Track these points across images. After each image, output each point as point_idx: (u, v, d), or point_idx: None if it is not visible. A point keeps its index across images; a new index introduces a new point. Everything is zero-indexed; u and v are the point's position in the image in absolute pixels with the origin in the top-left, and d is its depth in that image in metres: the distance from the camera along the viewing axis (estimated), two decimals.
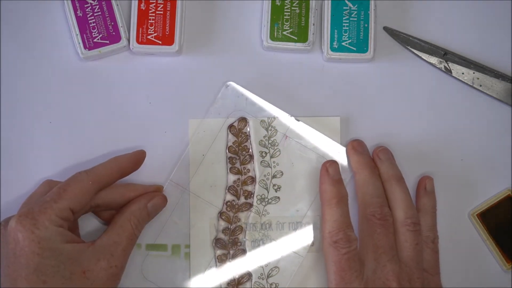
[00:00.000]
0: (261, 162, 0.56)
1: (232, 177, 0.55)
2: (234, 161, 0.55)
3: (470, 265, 0.56)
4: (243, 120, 0.56)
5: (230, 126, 0.56)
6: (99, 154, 0.56)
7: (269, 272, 0.55)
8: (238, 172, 0.55)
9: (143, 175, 0.55)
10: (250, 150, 0.56)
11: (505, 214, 0.55)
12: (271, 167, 0.56)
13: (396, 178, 0.53)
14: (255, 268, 0.55)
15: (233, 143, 0.56)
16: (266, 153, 0.56)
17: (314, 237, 0.55)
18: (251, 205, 0.55)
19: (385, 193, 0.53)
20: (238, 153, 0.56)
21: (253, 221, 0.55)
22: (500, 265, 0.55)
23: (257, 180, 0.55)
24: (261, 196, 0.55)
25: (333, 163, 0.53)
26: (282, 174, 0.56)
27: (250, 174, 0.55)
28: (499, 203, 0.55)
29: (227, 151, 0.56)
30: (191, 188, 0.55)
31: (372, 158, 0.55)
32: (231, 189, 0.55)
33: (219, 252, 0.55)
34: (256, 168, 0.56)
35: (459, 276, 0.55)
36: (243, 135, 0.56)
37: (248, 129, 0.56)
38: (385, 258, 0.50)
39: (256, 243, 0.55)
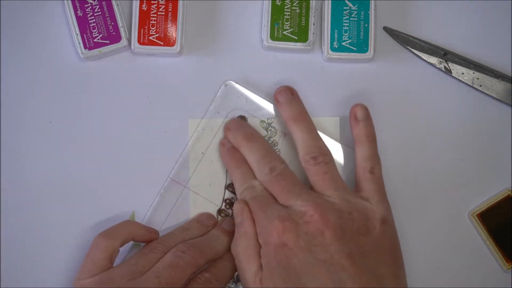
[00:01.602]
0: None
1: None
2: None
3: (470, 265, 0.55)
4: (242, 118, 0.56)
5: None
6: (99, 154, 0.56)
7: None
8: None
9: (143, 175, 0.55)
10: None
11: (505, 214, 0.55)
12: None
13: (292, 118, 0.52)
14: None
15: None
16: None
17: None
18: None
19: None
20: None
21: None
22: (500, 265, 0.55)
23: None
24: None
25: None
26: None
27: None
28: (499, 203, 0.55)
29: None
30: (191, 185, 0.55)
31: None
32: (230, 187, 0.55)
33: None
34: None
35: (459, 276, 0.55)
36: None
37: None
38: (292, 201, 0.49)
39: None
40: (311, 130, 0.51)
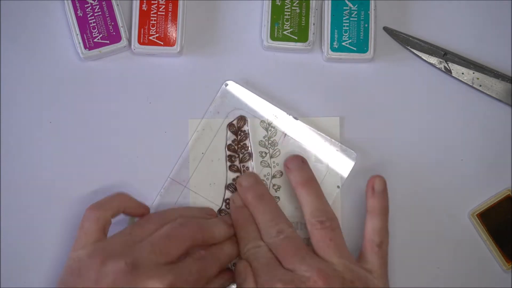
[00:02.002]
0: (261, 162, 0.56)
1: (231, 175, 0.55)
2: (233, 159, 0.56)
3: (470, 265, 0.56)
4: (242, 118, 0.56)
5: (230, 125, 0.56)
6: (99, 154, 0.56)
7: None
8: (237, 170, 0.55)
9: (144, 175, 0.55)
10: (249, 148, 0.56)
11: (505, 214, 0.55)
12: (270, 167, 0.56)
13: (301, 183, 0.52)
14: None
15: (232, 141, 0.56)
16: (266, 153, 0.56)
17: None
18: None
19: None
20: (237, 151, 0.56)
21: None
22: (500, 265, 0.55)
23: None
24: None
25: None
26: (282, 174, 0.56)
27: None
28: (499, 203, 0.55)
29: (226, 149, 0.56)
30: (191, 185, 0.55)
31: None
32: (230, 186, 0.55)
33: None
34: (254, 166, 0.56)
35: (459, 276, 0.55)
36: (242, 134, 0.56)
37: (247, 128, 0.56)
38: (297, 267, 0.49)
39: None
40: (320, 195, 0.52)
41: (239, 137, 0.56)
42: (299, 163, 0.53)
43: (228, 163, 0.56)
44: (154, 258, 0.47)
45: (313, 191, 0.52)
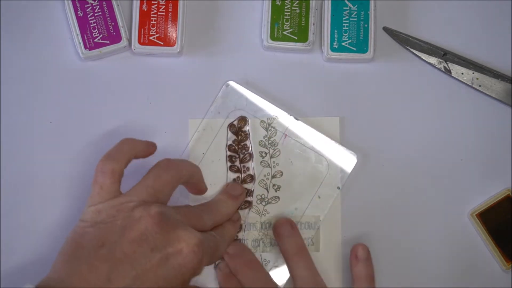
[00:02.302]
0: (261, 162, 0.56)
1: (232, 175, 0.55)
2: (234, 159, 0.56)
3: (470, 265, 0.56)
4: (243, 119, 0.56)
5: (230, 125, 0.56)
6: (99, 154, 0.56)
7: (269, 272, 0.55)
8: (238, 171, 0.56)
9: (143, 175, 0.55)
10: (250, 149, 0.56)
11: (505, 214, 0.55)
12: (271, 167, 0.56)
13: (291, 253, 0.53)
14: None
15: (233, 141, 0.56)
16: (266, 153, 0.56)
17: (313, 236, 0.55)
18: (250, 203, 0.55)
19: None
20: (238, 152, 0.56)
21: (253, 221, 0.55)
22: (500, 265, 0.55)
23: (257, 179, 0.55)
24: (261, 196, 0.55)
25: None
26: (282, 174, 0.56)
27: (249, 172, 0.55)
28: (499, 203, 0.55)
29: (227, 149, 0.56)
30: None
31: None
32: None
33: None
34: (255, 166, 0.56)
35: (459, 276, 0.55)
36: (242, 134, 0.56)
37: (248, 128, 0.56)
38: None
39: (256, 243, 0.55)
40: (310, 267, 0.52)
41: (239, 137, 0.56)
42: (289, 229, 0.53)
43: (229, 164, 0.56)
44: (180, 219, 0.47)
45: (303, 263, 0.52)
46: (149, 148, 0.51)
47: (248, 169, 0.56)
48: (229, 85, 0.56)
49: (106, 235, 0.44)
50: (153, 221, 0.44)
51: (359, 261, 0.53)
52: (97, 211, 0.46)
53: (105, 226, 0.45)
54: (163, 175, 0.48)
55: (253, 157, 0.56)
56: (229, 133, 0.56)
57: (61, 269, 0.44)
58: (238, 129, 0.56)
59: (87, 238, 0.45)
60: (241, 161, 0.56)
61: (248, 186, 0.55)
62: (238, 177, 0.55)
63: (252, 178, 0.55)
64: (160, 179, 0.48)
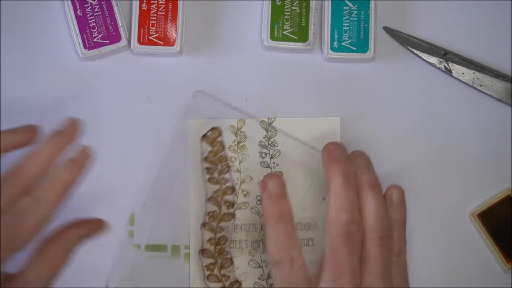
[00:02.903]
0: (260, 163, 0.56)
1: (211, 188, 0.54)
2: (211, 171, 0.54)
3: (470, 265, 0.56)
4: (216, 129, 0.55)
5: (204, 136, 0.55)
6: (99, 154, 0.56)
7: (269, 273, 0.55)
8: (237, 171, 0.55)
9: (144, 176, 0.55)
10: (226, 160, 0.55)
11: (505, 214, 0.55)
12: (271, 168, 0.56)
13: (369, 184, 0.48)
14: (255, 269, 0.55)
15: (208, 153, 0.55)
16: (266, 154, 0.56)
17: (313, 236, 0.55)
18: (233, 215, 0.55)
19: (359, 202, 0.48)
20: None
21: (253, 222, 0.55)
22: (500, 265, 0.55)
23: (257, 180, 0.55)
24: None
25: (274, 177, 0.49)
26: (282, 175, 0.55)
27: (248, 173, 0.55)
28: (499, 203, 0.55)
29: (203, 161, 0.55)
30: (191, 187, 0.55)
31: (348, 165, 0.49)
32: (211, 200, 0.54)
33: (206, 261, 0.54)
34: (254, 167, 0.55)
35: (459, 276, 0.55)
36: (218, 145, 0.55)
37: (222, 139, 0.55)
38: (343, 280, 0.45)
39: (256, 244, 0.55)
40: (382, 202, 0.48)
41: (215, 148, 0.55)
42: (366, 160, 0.50)
43: (207, 176, 0.55)
44: None
45: (379, 197, 0.48)
46: (26, 134, 0.46)
47: (227, 180, 0.55)
48: (196, 96, 0.54)
49: None
50: None
51: (393, 204, 0.49)
52: None
53: None
54: None
55: (230, 168, 0.55)
56: (204, 144, 0.55)
57: None
58: (212, 139, 0.55)
59: None
60: (220, 173, 0.55)
61: (229, 198, 0.55)
62: (218, 189, 0.54)
63: (233, 189, 0.55)
64: None
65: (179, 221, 0.55)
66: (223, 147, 0.55)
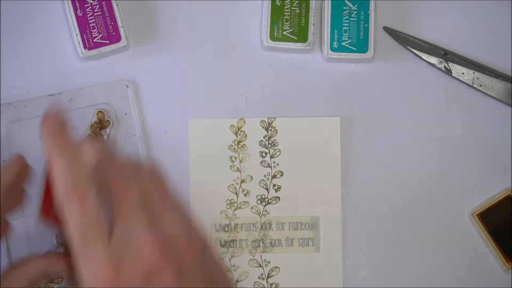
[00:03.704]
0: (261, 162, 0.56)
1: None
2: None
3: (470, 265, 0.56)
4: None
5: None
6: None
7: (269, 272, 0.55)
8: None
9: None
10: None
11: (505, 214, 0.55)
12: (271, 167, 0.56)
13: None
14: (255, 268, 0.55)
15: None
16: (266, 153, 0.56)
17: (314, 237, 0.55)
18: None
19: None
20: (238, 152, 0.56)
21: (253, 221, 0.55)
22: (500, 265, 0.55)
23: (257, 180, 0.55)
24: (261, 196, 0.55)
25: (53, 113, 0.41)
26: (282, 174, 0.56)
27: (249, 172, 0.55)
28: (499, 203, 0.55)
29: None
30: (191, 187, 0.55)
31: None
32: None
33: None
34: (254, 166, 0.56)
35: (459, 276, 0.55)
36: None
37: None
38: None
39: (256, 243, 0.55)
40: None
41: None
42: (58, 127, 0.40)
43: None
44: None
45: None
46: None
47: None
48: (128, 86, 0.55)
49: None
50: None
51: None
52: None
53: None
54: None
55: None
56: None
57: None
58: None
59: None
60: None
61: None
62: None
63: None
64: None
65: None
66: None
